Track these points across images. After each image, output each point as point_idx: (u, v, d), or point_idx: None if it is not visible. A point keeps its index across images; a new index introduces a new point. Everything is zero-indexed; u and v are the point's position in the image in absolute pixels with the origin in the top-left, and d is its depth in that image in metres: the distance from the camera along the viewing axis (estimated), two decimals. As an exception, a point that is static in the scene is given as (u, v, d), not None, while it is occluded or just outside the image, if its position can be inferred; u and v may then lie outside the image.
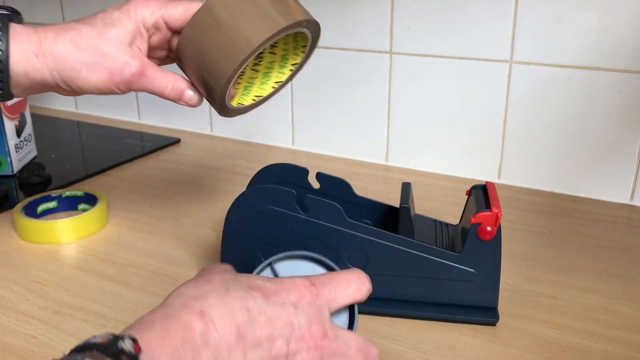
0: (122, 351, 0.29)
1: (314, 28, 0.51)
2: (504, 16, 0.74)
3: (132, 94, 1.08)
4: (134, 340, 0.31)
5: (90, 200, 0.69)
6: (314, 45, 0.53)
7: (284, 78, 0.55)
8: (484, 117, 0.79)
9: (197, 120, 1.03)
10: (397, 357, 0.46)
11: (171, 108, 1.04)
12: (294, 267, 0.44)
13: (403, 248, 0.49)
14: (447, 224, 0.56)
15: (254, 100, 0.55)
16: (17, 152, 0.83)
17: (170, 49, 0.53)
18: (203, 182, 0.81)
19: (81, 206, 0.70)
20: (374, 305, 0.51)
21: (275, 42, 0.54)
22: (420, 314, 0.51)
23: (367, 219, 0.58)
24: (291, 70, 0.55)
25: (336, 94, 0.88)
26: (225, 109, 0.52)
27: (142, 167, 0.87)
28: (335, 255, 0.50)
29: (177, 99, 0.51)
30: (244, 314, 0.36)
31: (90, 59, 0.47)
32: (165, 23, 0.50)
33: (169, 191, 0.78)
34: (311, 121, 0.92)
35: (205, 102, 0.53)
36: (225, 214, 0.52)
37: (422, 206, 0.71)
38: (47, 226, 0.64)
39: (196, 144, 0.98)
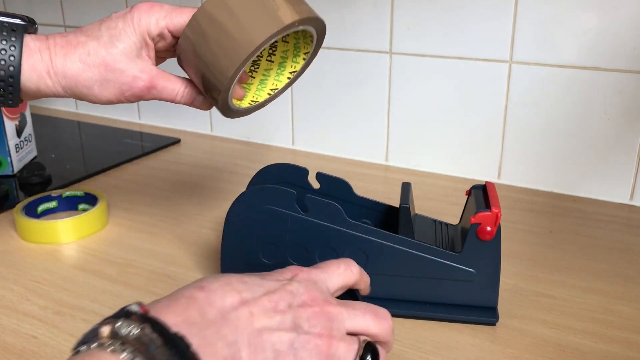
0: (131, 312, 0.31)
1: (317, 24, 0.51)
2: (503, 16, 0.74)
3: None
4: (140, 305, 0.32)
5: (91, 200, 0.69)
6: (321, 37, 0.53)
7: (298, 67, 0.55)
8: (484, 117, 0.79)
9: (197, 120, 1.03)
10: (397, 356, 0.46)
11: (171, 108, 1.04)
12: None
13: (403, 248, 0.49)
14: (447, 224, 0.56)
15: (269, 94, 0.55)
16: (17, 152, 0.83)
17: (176, 51, 0.53)
18: (203, 182, 0.82)
19: (81, 206, 0.70)
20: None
21: (285, 37, 0.54)
22: (420, 314, 0.51)
23: (367, 219, 0.58)
24: (304, 59, 0.55)
25: (336, 94, 0.88)
26: (228, 109, 0.52)
27: (142, 167, 0.88)
28: (335, 255, 0.50)
29: (187, 105, 0.52)
30: (243, 285, 0.36)
31: (100, 76, 0.48)
32: (170, 32, 0.50)
33: (169, 191, 0.78)
34: (311, 121, 0.92)
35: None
36: (225, 214, 0.52)
37: (422, 206, 0.71)
38: (47, 226, 0.64)
39: (196, 144, 0.98)
